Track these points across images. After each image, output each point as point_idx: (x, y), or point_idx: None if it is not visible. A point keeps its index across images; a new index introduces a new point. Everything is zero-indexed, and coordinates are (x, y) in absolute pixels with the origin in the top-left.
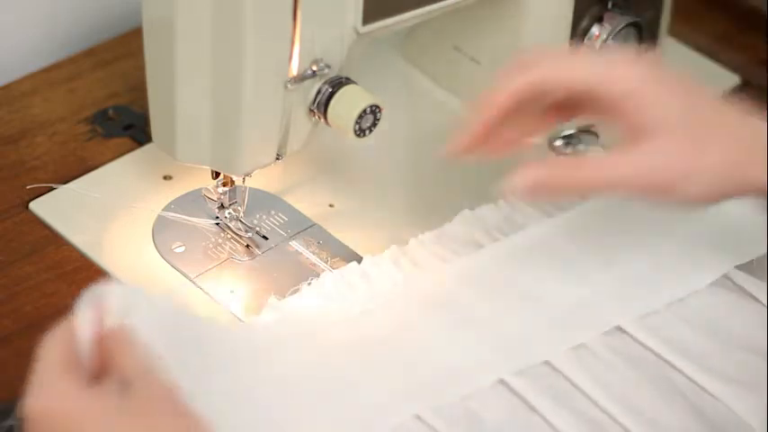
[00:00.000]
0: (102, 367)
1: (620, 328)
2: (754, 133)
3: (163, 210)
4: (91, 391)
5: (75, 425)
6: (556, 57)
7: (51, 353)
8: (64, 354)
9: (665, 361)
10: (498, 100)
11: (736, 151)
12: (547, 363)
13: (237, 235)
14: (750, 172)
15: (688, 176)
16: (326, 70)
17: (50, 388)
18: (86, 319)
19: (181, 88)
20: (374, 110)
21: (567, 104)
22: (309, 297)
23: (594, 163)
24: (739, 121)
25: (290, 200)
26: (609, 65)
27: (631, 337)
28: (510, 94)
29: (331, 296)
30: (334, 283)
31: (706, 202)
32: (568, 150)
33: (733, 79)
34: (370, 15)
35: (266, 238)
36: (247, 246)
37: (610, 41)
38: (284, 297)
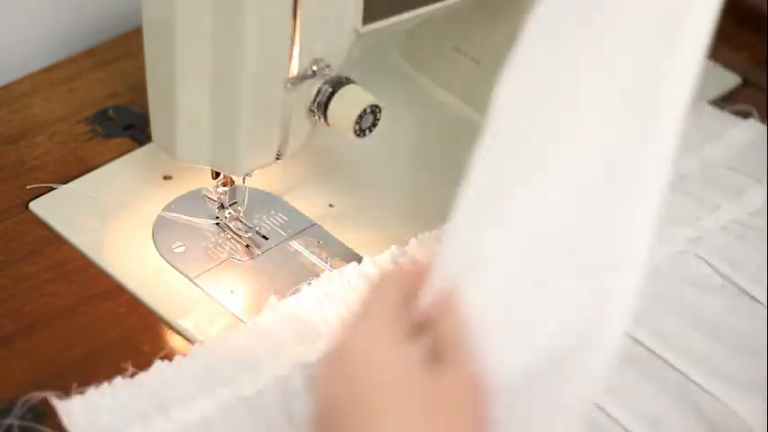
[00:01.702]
0: (420, 323)
1: None
2: None
3: (163, 210)
4: (404, 348)
5: (376, 374)
6: None
7: (386, 292)
8: (396, 297)
9: (666, 361)
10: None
11: None
12: None
13: (237, 235)
14: None
15: None
16: (326, 70)
17: (373, 327)
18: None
19: (181, 88)
20: (374, 110)
21: None
22: (309, 297)
23: None
24: None
25: (290, 200)
26: None
27: (632, 337)
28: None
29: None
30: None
31: None
32: None
33: (733, 79)
34: (370, 15)
35: (266, 238)
36: (247, 246)
37: None
38: (284, 297)
